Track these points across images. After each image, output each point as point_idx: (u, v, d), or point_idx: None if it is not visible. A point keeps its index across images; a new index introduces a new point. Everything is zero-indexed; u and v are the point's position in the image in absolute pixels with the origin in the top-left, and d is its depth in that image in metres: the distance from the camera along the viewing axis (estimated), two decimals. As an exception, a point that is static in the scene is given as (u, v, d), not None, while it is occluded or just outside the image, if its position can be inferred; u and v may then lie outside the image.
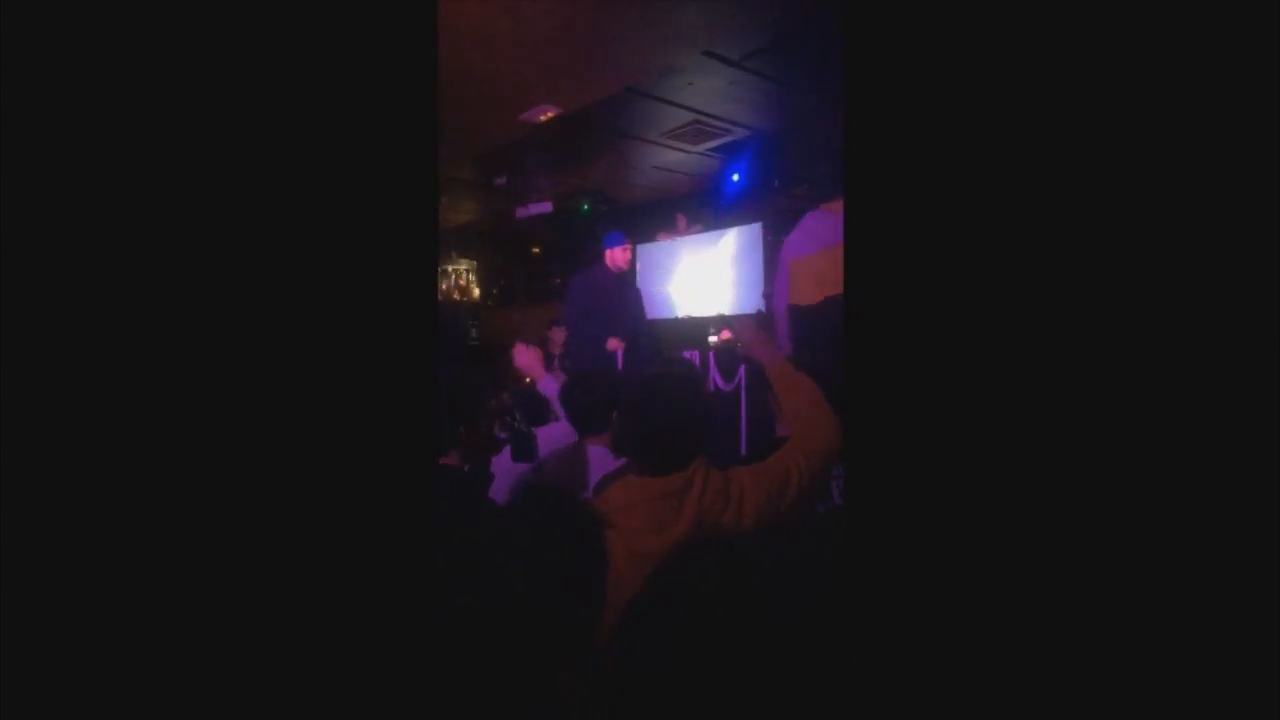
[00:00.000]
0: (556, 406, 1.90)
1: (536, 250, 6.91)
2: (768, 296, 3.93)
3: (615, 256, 3.37)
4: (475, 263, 7.17)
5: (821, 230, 2.28)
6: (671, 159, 4.53)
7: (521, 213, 5.40)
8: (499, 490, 1.54)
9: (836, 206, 2.34)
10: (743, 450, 3.41)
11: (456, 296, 7.15)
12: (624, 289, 3.45)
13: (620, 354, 3.27)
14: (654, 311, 5.52)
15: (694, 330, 4.13)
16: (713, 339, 3.44)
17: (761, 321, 1.68)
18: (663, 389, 1.22)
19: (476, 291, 7.18)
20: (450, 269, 7.03)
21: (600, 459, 1.69)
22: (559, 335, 4.74)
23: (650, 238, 5.55)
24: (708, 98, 3.43)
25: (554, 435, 1.83)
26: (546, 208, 5.31)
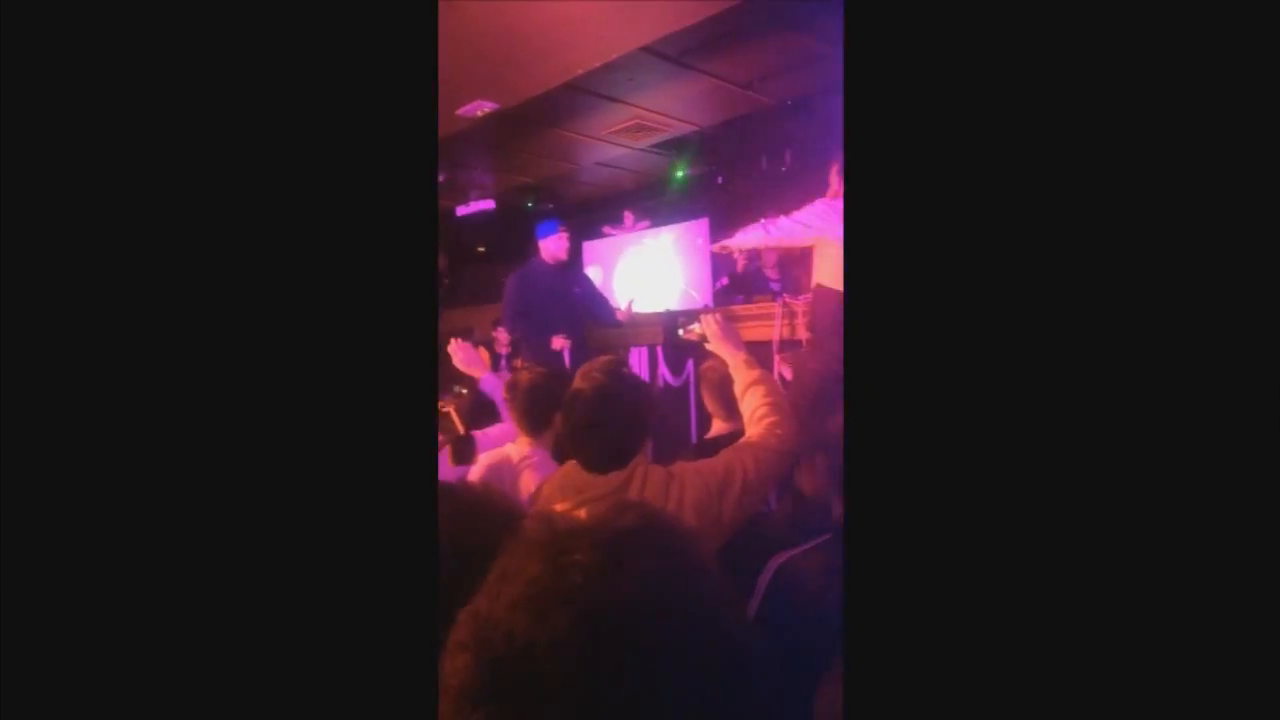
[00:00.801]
0: (500, 406, 1.86)
1: (481, 249, 6.80)
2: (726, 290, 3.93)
3: (549, 246, 3.15)
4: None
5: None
6: (615, 155, 4.51)
7: (463, 210, 5.30)
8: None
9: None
10: (694, 441, 3.43)
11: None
12: (566, 281, 3.24)
13: (567, 352, 3.17)
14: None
15: (645, 326, 4.14)
16: (682, 332, 3.37)
17: (727, 317, 1.68)
18: (602, 387, 1.20)
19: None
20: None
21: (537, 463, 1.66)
22: (505, 335, 4.67)
23: (596, 234, 5.53)
24: (648, 94, 3.43)
25: (493, 436, 1.79)
26: (489, 205, 5.22)
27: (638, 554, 0.36)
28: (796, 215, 2.35)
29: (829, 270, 2.25)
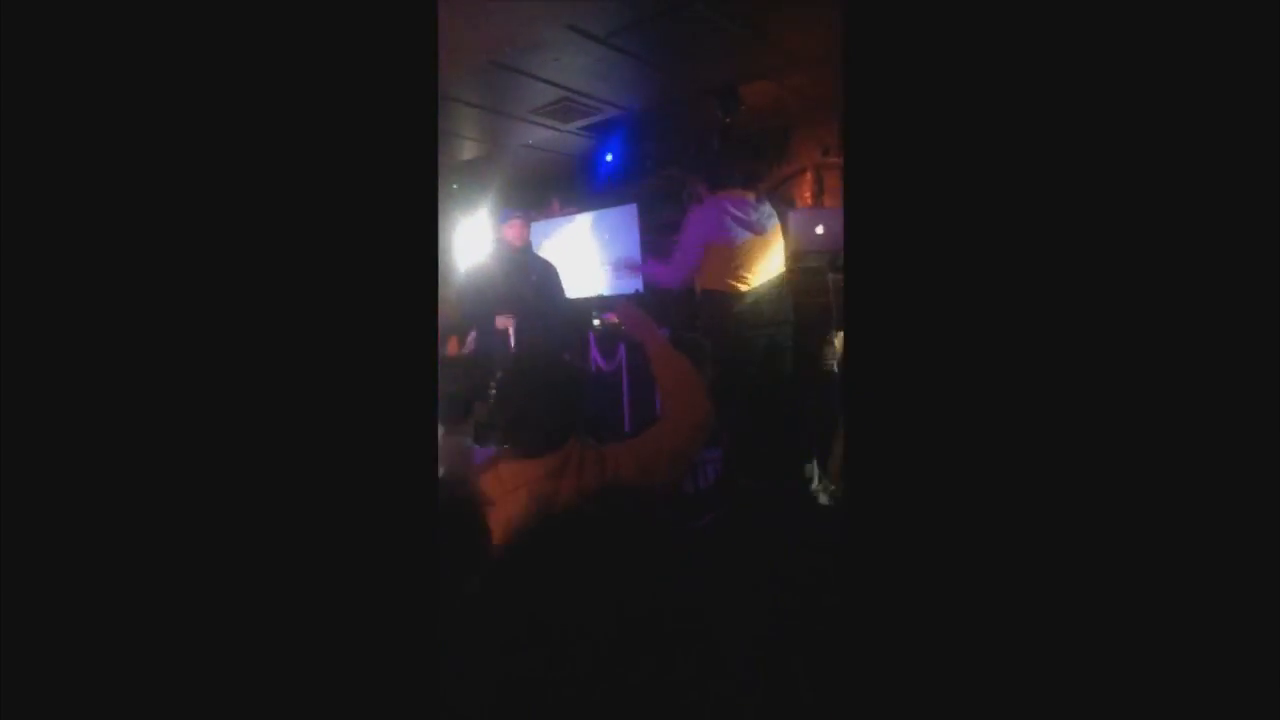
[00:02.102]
0: None
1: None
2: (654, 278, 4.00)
3: (509, 233, 3.36)
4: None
5: (741, 218, 2.32)
6: (543, 137, 4.43)
7: (384, 192, 5.07)
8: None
9: (741, 194, 2.41)
10: (627, 427, 3.45)
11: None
12: (525, 267, 3.40)
13: (511, 330, 3.19)
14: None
15: (573, 312, 4.11)
16: (597, 322, 3.48)
17: (640, 302, 1.73)
18: (532, 369, 1.20)
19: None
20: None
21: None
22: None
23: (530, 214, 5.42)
24: (575, 74, 3.38)
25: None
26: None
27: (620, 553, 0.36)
28: (685, 236, 2.46)
29: (711, 273, 2.37)
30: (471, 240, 5.13)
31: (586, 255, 5.22)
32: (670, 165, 4.89)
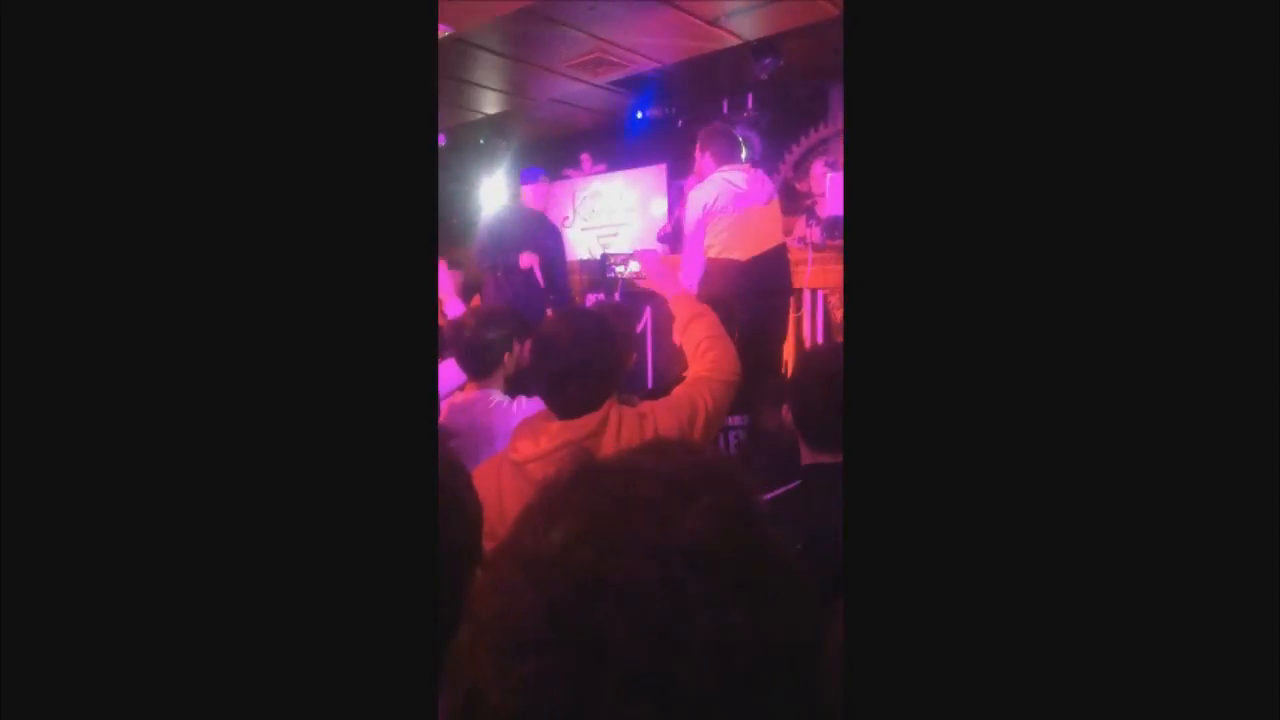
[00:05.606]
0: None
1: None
2: (666, 238, 3.95)
3: (529, 194, 3.30)
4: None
5: (741, 190, 2.36)
6: (573, 91, 4.32)
7: (411, 144, 5.01)
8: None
9: (743, 168, 2.45)
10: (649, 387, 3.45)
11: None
12: (541, 229, 3.39)
13: (536, 268, 3.13)
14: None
15: (597, 271, 4.07)
16: (620, 269, 3.41)
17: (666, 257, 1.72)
18: (572, 327, 1.17)
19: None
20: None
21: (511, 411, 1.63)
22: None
23: (555, 176, 5.35)
24: (610, 24, 3.27)
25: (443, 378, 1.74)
26: (439, 139, 4.96)
27: (705, 492, 0.33)
28: (689, 218, 2.47)
29: (711, 242, 2.41)
30: (494, 196, 5.07)
31: (613, 215, 5.15)
32: (702, 124, 4.77)
